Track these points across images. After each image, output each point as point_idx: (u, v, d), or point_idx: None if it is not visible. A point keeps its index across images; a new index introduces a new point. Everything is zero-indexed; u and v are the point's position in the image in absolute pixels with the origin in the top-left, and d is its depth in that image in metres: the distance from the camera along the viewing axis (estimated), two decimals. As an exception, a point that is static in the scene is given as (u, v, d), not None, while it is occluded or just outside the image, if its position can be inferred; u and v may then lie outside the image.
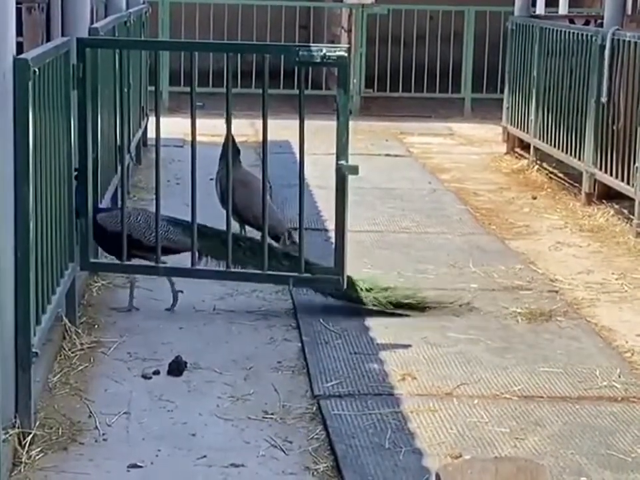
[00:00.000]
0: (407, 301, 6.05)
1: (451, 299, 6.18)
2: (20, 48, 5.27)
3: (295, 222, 6.74)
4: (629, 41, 8.32)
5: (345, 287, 5.86)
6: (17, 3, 4.65)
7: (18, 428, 4.28)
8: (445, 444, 4.50)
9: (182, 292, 6.09)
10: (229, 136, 6.06)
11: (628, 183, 8.16)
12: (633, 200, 8.05)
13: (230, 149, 6.02)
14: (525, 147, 10.77)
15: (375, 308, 5.99)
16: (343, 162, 5.62)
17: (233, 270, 5.86)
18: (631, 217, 8.07)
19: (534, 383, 5.17)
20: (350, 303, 6.03)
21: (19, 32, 5.17)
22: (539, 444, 4.52)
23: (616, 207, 8.56)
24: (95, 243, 5.98)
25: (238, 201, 6.65)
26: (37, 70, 4.42)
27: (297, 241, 6.48)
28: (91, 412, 4.71)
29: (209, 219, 6.59)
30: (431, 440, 4.53)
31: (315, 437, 4.56)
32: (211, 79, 12.91)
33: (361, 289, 6.03)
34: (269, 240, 6.00)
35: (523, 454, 4.39)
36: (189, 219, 5.86)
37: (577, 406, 4.92)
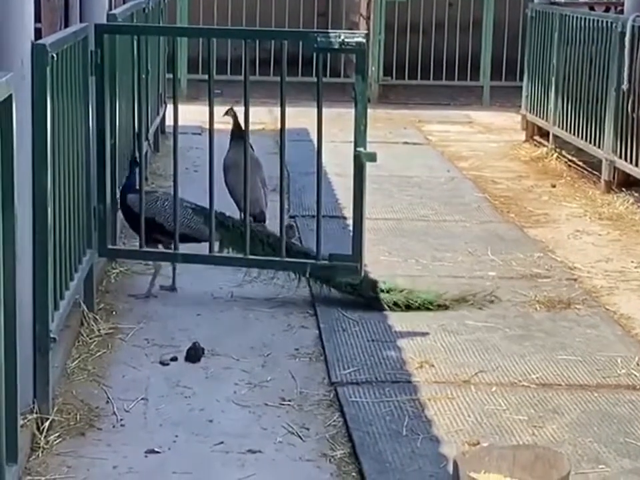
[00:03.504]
0: (426, 305, 5.91)
1: (472, 292, 6.07)
2: (38, 34, 5.26)
3: (312, 209, 6.75)
4: (650, 28, 8.27)
5: (364, 284, 5.87)
6: (35, -11, 4.64)
7: (36, 413, 4.30)
8: (462, 431, 4.49)
9: (175, 290, 6.11)
10: (247, 123, 6.05)
11: (648, 171, 8.12)
12: (652, 188, 8.02)
13: (247, 138, 6.01)
14: (544, 134, 10.72)
15: (390, 309, 5.90)
16: (361, 149, 5.61)
17: (250, 257, 5.86)
18: (651, 205, 8.05)
19: (552, 370, 5.16)
20: (366, 301, 5.95)
21: (37, 18, 5.15)
22: (557, 432, 4.51)
23: (635, 194, 8.52)
24: (125, 221, 6.21)
25: (229, 182, 6.99)
26: (54, 55, 4.42)
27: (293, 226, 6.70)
28: (108, 398, 4.72)
29: (226, 206, 6.61)
30: (449, 427, 4.52)
31: (332, 423, 4.56)
32: (229, 67, 12.90)
33: (381, 290, 5.96)
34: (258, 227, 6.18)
35: (541, 442, 4.38)
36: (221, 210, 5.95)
37: (595, 394, 4.90)
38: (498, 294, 6.16)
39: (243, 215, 6.14)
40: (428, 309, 5.89)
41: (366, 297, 5.94)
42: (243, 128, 7.00)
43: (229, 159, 7.10)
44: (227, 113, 7.20)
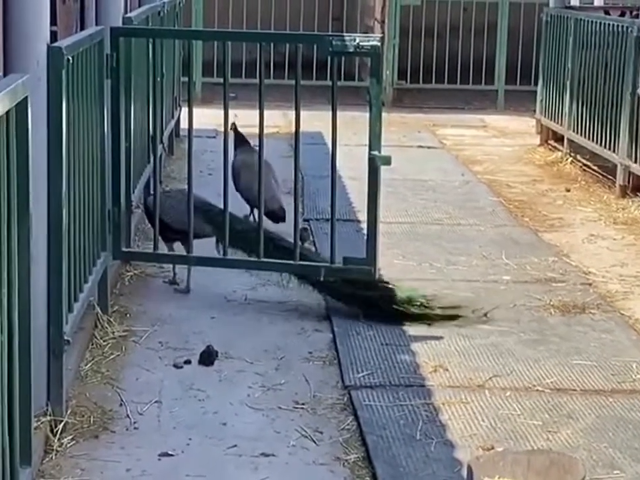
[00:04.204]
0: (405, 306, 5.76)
1: (468, 307, 5.89)
2: (54, 37, 5.28)
3: (326, 213, 6.74)
4: (665, 32, 8.25)
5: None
6: (51, -8, 4.65)
7: (50, 415, 4.30)
8: (476, 436, 4.47)
9: (188, 292, 6.14)
10: (261, 127, 6.04)
11: (663, 176, 8.10)
12: (668, 193, 7.99)
13: (261, 141, 6.00)
14: (559, 139, 10.69)
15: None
16: (375, 153, 5.60)
17: (264, 260, 5.86)
18: (666, 210, 8.02)
19: (567, 375, 5.14)
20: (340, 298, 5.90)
21: (53, 21, 5.17)
22: (572, 437, 4.49)
23: (650, 199, 8.51)
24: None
25: (242, 183, 7.10)
26: (70, 58, 4.42)
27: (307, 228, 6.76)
28: (122, 400, 4.72)
29: (241, 209, 6.61)
30: (463, 432, 4.51)
31: (346, 427, 4.55)
32: (243, 70, 12.91)
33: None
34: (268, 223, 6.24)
35: (556, 447, 4.36)
36: (220, 207, 5.94)
37: (610, 399, 4.88)
38: (512, 298, 6.15)
39: (257, 214, 6.11)
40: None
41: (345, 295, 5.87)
42: (244, 136, 7.27)
43: (237, 161, 7.23)
44: (231, 128, 7.22)
